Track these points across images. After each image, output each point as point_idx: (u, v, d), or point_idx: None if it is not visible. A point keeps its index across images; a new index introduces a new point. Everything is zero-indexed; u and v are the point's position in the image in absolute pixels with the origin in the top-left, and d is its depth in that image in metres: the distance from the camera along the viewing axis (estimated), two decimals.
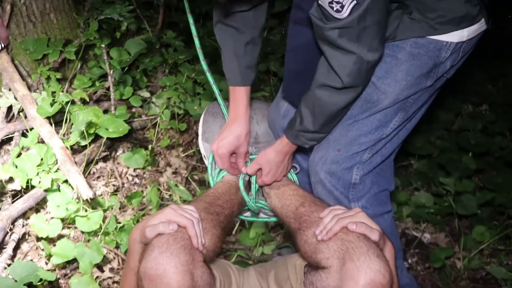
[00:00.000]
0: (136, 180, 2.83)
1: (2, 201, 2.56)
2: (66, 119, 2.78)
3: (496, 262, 2.55)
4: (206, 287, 1.61)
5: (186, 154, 2.95)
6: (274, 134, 2.25)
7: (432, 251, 2.56)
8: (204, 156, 2.33)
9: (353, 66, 1.72)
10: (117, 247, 2.43)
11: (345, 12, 1.61)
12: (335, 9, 1.62)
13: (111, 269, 2.39)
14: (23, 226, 2.53)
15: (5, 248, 2.41)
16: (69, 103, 2.78)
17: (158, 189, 2.73)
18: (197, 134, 2.96)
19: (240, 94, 2.11)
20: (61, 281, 2.36)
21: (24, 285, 2.15)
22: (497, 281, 2.47)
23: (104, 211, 2.51)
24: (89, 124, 2.61)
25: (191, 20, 2.13)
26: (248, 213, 2.26)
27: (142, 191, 2.74)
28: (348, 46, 1.68)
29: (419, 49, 1.82)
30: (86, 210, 2.48)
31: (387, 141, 1.97)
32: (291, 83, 2.10)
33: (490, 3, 1.78)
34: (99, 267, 2.38)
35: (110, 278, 2.36)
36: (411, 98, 1.89)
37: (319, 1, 1.63)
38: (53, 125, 2.73)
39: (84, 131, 2.62)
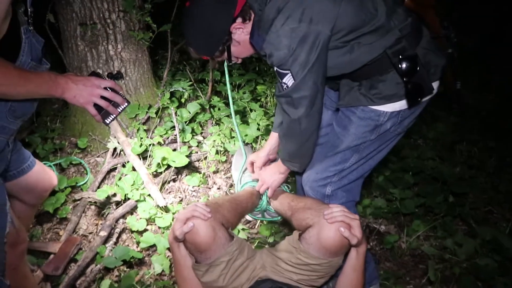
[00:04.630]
0: (194, 193, 2.87)
1: (109, 208, 2.67)
2: (149, 155, 2.87)
3: (427, 244, 2.54)
4: (223, 238, 1.72)
5: (226, 176, 2.99)
6: None
7: (385, 237, 2.57)
8: (233, 179, 2.47)
9: (289, 124, 1.82)
10: None
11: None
12: (284, 87, 1.73)
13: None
14: (122, 223, 2.62)
15: (111, 237, 2.51)
16: (151, 145, 2.88)
17: (207, 199, 2.77)
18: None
19: (273, 135, 2.25)
20: (145, 258, 2.45)
21: (121, 260, 2.27)
22: (428, 256, 2.47)
23: (173, 213, 2.58)
24: (163, 158, 2.70)
25: (229, 91, 2.26)
26: (259, 214, 2.33)
27: (197, 201, 2.78)
28: (288, 110, 1.78)
29: (365, 114, 1.83)
30: (161, 213, 2.55)
31: (350, 171, 1.96)
32: None
33: (412, 89, 1.74)
34: (170, 249, 2.39)
35: None
36: (361, 145, 1.89)
37: (279, 81, 1.75)
38: (141, 159, 2.82)
39: (160, 163, 2.72)
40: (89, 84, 1.53)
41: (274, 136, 2.24)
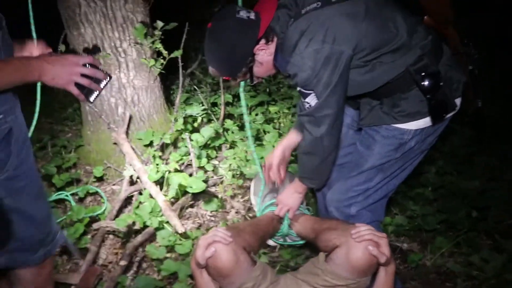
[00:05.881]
0: (212, 218, 2.86)
1: (128, 236, 2.65)
2: (166, 182, 2.86)
3: (452, 261, 2.50)
4: (245, 262, 1.71)
5: (243, 199, 2.98)
6: None
7: (409, 255, 2.53)
8: (252, 204, 2.46)
9: (311, 142, 1.84)
10: None
11: None
12: (306, 106, 1.75)
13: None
14: (142, 252, 2.59)
15: (132, 267, 2.48)
16: (167, 171, 2.87)
17: (226, 224, 2.75)
18: (249, 188, 3.02)
19: (292, 132, 2.20)
20: (167, 287, 2.40)
21: None
22: (455, 273, 2.42)
23: (192, 240, 2.56)
24: (180, 185, 2.70)
25: (245, 113, 2.27)
26: (281, 239, 2.31)
27: (216, 226, 2.76)
28: (310, 129, 1.81)
29: (389, 133, 1.84)
30: (180, 240, 2.54)
31: (375, 190, 1.96)
32: None
33: (435, 105, 1.75)
34: (191, 276, 2.37)
35: None
36: (386, 164, 1.89)
37: (301, 100, 1.78)
38: (158, 186, 2.81)
39: (177, 189, 2.71)
40: (67, 63, 1.45)
41: (293, 133, 2.20)
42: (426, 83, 1.71)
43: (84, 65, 1.49)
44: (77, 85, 1.48)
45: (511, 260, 2.41)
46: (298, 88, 1.75)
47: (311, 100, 1.72)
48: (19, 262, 1.62)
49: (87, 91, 1.52)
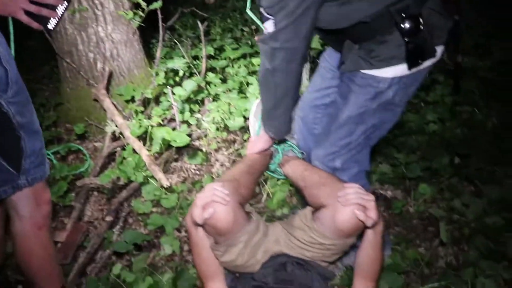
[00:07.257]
0: (197, 172, 2.86)
1: (113, 192, 2.65)
2: (149, 137, 2.83)
3: (435, 206, 2.54)
4: (242, 219, 1.70)
5: (228, 152, 2.97)
6: None
7: (393, 202, 2.56)
8: (249, 123, 2.36)
9: (263, 73, 1.75)
10: None
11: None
12: (265, 32, 1.63)
13: (185, 231, 2.44)
14: (127, 207, 2.60)
15: (118, 222, 2.50)
16: (150, 126, 2.83)
17: (211, 177, 2.76)
18: (233, 141, 3.04)
19: None
20: (154, 240, 2.43)
21: (132, 244, 2.26)
22: (436, 218, 2.47)
23: (178, 194, 2.57)
24: (164, 139, 2.67)
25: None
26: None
27: (201, 179, 2.78)
28: (264, 59, 1.69)
29: (364, 81, 1.74)
30: (166, 194, 2.54)
31: (357, 143, 1.89)
32: None
33: (413, 49, 1.64)
34: (178, 229, 2.44)
35: (185, 236, 2.42)
36: (364, 115, 1.81)
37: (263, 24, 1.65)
38: (141, 141, 2.79)
39: (161, 143, 2.69)
40: None
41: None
42: (405, 25, 1.60)
43: None
44: (30, 13, 1.40)
45: (490, 205, 2.46)
46: (261, 10, 1.59)
47: (269, 27, 1.58)
48: (38, 178, 1.63)
49: (42, 19, 1.42)
